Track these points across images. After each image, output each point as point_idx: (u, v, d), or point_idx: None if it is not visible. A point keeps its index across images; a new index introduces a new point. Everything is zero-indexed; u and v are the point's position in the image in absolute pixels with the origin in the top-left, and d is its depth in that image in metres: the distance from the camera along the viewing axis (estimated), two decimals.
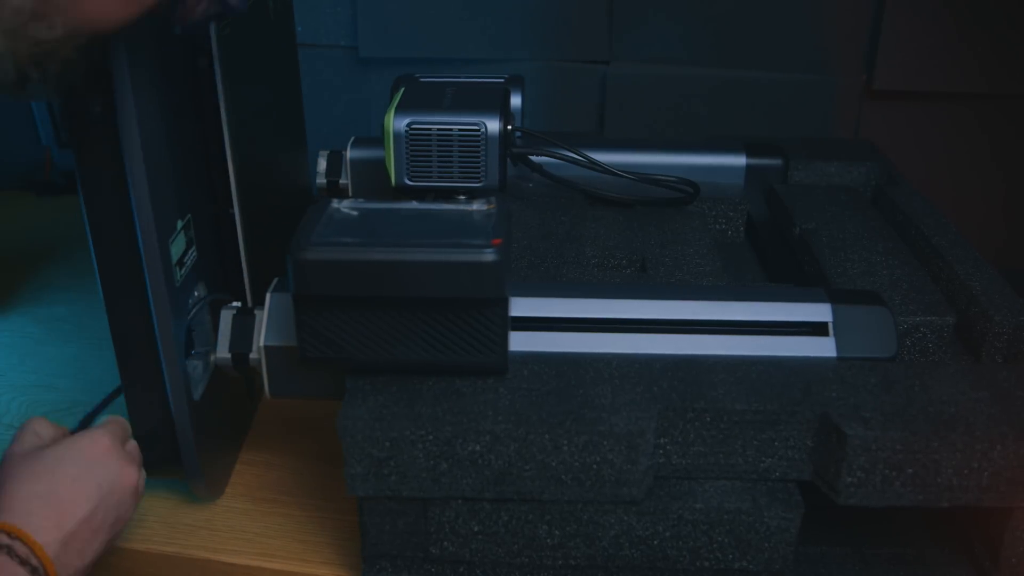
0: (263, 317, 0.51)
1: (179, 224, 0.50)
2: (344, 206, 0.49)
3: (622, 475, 0.47)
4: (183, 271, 0.51)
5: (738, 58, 0.89)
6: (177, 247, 0.50)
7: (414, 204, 0.49)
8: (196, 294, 0.53)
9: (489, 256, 0.43)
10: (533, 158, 0.65)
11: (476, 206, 0.48)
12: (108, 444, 0.49)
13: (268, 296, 0.52)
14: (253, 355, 0.52)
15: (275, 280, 0.53)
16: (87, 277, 0.86)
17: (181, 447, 0.53)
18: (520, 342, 0.51)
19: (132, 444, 0.52)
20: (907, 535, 0.54)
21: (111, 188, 0.47)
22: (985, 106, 0.87)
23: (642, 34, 0.90)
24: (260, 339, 0.51)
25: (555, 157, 0.65)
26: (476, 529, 0.49)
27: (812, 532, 0.52)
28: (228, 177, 0.53)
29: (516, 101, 0.67)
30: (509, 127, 0.59)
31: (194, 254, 0.52)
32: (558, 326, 0.52)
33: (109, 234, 0.48)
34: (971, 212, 0.86)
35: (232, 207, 0.54)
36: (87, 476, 0.47)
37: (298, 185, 0.72)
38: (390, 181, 0.60)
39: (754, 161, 0.72)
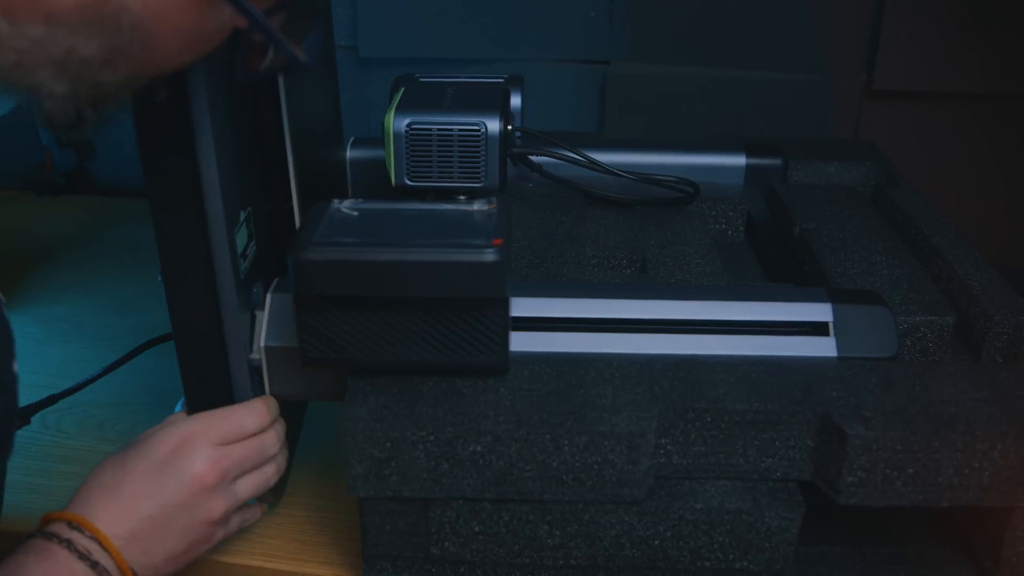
0: (263, 318, 0.51)
1: (242, 215, 0.49)
2: (345, 206, 0.48)
3: (623, 475, 0.47)
4: (246, 264, 0.50)
5: (738, 58, 0.89)
6: (241, 238, 0.49)
7: (415, 204, 0.49)
8: (255, 291, 0.52)
9: (490, 256, 0.43)
10: (533, 158, 0.65)
11: (477, 206, 0.48)
12: (183, 443, 0.46)
13: (268, 296, 0.52)
14: (254, 355, 0.52)
15: (275, 280, 0.53)
16: (87, 277, 0.87)
17: None
18: (521, 342, 0.51)
19: (232, 452, 0.47)
20: (908, 535, 0.54)
21: (176, 175, 0.46)
22: (985, 106, 0.87)
23: (642, 34, 0.90)
24: (261, 340, 0.51)
25: (555, 157, 0.65)
26: (477, 529, 0.49)
27: (813, 532, 0.52)
28: (288, 171, 0.52)
29: (516, 101, 0.67)
30: (509, 127, 0.59)
31: (255, 248, 0.51)
32: (559, 326, 0.52)
33: (173, 225, 0.47)
34: (971, 212, 0.86)
35: (289, 202, 0.53)
36: (155, 473, 0.45)
37: (337, 180, 0.71)
38: (390, 181, 0.60)
39: (754, 161, 0.72)
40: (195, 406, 0.51)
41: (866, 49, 0.85)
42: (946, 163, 0.89)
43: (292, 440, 0.61)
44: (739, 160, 0.72)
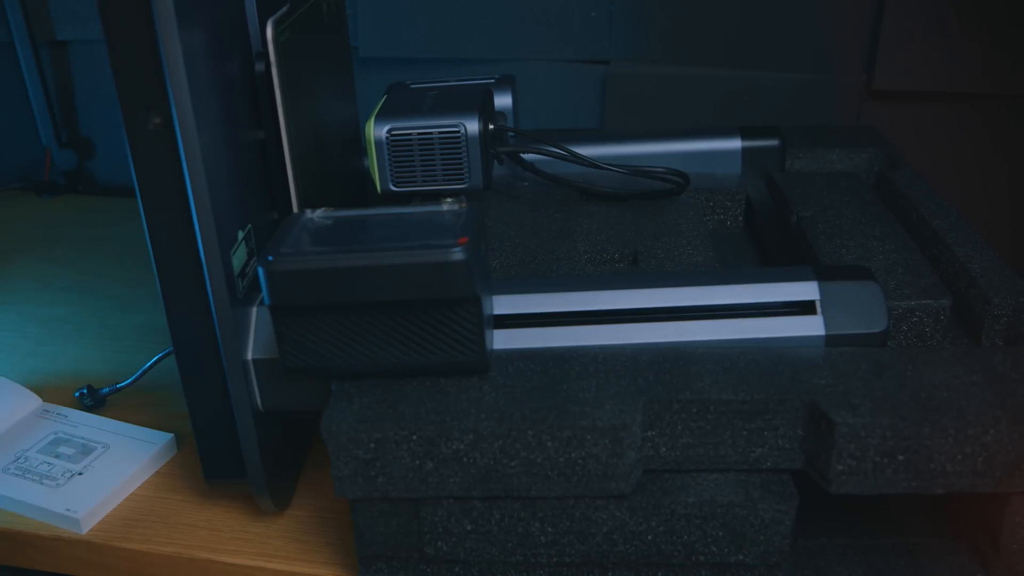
0: (251, 331, 0.52)
1: (240, 235, 0.50)
2: (317, 216, 0.49)
3: (608, 469, 0.46)
4: (245, 282, 0.51)
5: (738, 58, 0.88)
6: (239, 258, 0.50)
7: (385, 209, 0.50)
8: (255, 305, 0.53)
9: (456, 255, 0.43)
10: (524, 156, 0.66)
11: (447, 206, 0.48)
12: None
13: (254, 309, 0.52)
14: None
15: (260, 294, 0.54)
16: (87, 277, 0.89)
17: (246, 460, 0.53)
18: (506, 340, 0.51)
19: None
20: (908, 525, 0.52)
21: (171, 200, 0.47)
22: (987, 106, 0.85)
23: (642, 34, 0.89)
24: (248, 353, 0.51)
25: (541, 153, 0.65)
26: (469, 528, 0.49)
27: (812, 524, 0.51)
28: (287, 182, 0.53)
29: (507, 101, 0.68)
30: (491, 126, 0.59)
31: (255, 265, 0.52)
32: (544, 321, 0.52)
33: (170, 247, 0.48)
34: (975, 213, 0.84)
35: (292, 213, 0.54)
36: None
37: (355, 187, 0.72)
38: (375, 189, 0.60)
39: (750, 143, 0.71)
40: (197, 413, 0.53)
41: (866, 49, 0.84)
42: (947, 164, 0.87)
43: (302, 449, 0.62)
44: (735, 144, 0.71)
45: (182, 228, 0.47)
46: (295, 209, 0.54)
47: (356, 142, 0.72)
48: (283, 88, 0.51)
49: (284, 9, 0.53)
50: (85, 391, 0.68)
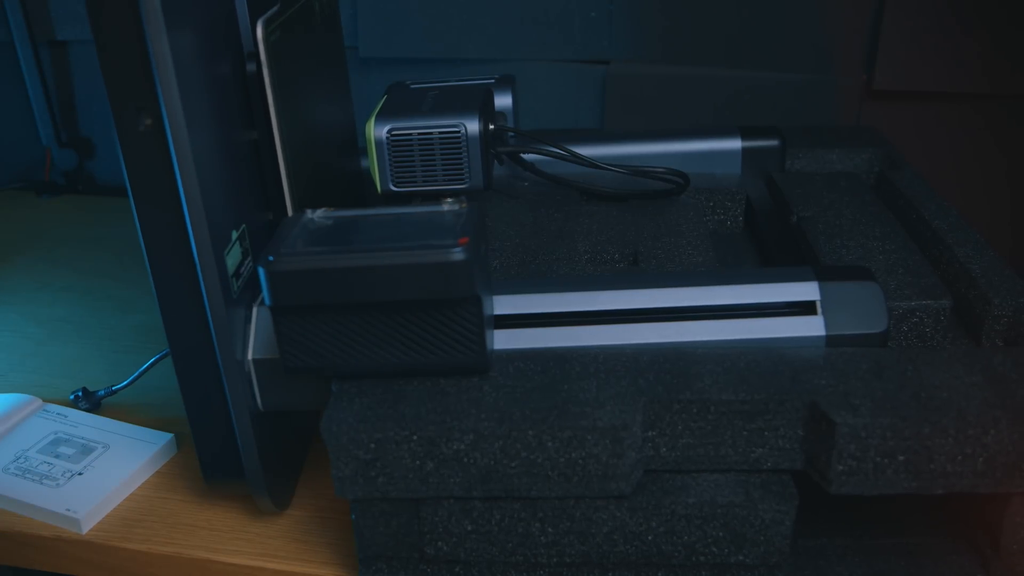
0: (251, 331, 0.52)
1: (234, 235, 0.50)
2: (318, 216, 0.49)
3: (608, 469, 0.46)
4: (240, 282, 0.51)
5: (738, 58, 0.88)
6: (233, 258, 0.50)
7: (386, 209, 0.50)
8: (255, 305, 0.53)
9: (456, 255, 0.43)
10: (524, 156, 0.66)
11: (447, 206, 0.48)
12: None
13: (255, 309, 0.52)
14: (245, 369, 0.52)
15: (256, 294, 0.54)
16: (87, 277, 0.89)
17: (244, 460, 0.53)
18: (507, 340, 0.51)
19: None
20: (908, 525, 0.52)
21: (164, 201, 0.47)
22: (987, 106, 0.85)
23: (642, 34, 0.89)
24: (248, 353, 0.51)
25: (541, 153, 0.65)
26: (469, 528, 0.49)
27: (812, 524, 0.51)
28: (281, 182, 0.53)
29: (507, 101, 0.68)
30: (492, 127, 0.59)
31: (250, 265, 0.52)
32: (544, 322, 0.52)
33: (164, 247, 0.48)
34: (975, 214, 0.84)
35: (286, 215, 0.54)
36: None
37: (352, 187, 0.72)
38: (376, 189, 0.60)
39: (750, 144, 0.71)
40: (194, 414, 0.53)
41: (866, 49, 0.84)
42: (947, 164, 0.87)
43: (302, 449, 0.62)
44: (735, 144, 0.71)
45: (175, 229, 0.47)
46: (289, 209, 0.54)
47: (352, 142, 0.72)
48: (274, 88, 0.51)
49: (275, 8, 0.53)
50: (80, 393, 0.68)
